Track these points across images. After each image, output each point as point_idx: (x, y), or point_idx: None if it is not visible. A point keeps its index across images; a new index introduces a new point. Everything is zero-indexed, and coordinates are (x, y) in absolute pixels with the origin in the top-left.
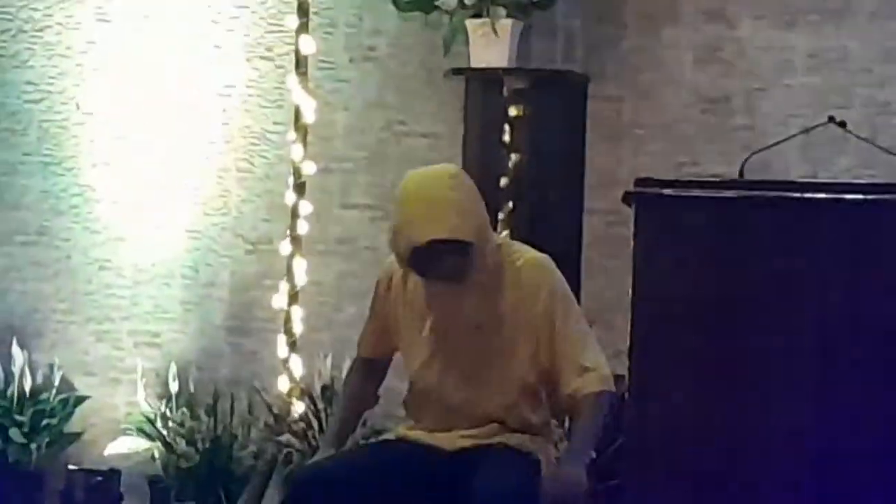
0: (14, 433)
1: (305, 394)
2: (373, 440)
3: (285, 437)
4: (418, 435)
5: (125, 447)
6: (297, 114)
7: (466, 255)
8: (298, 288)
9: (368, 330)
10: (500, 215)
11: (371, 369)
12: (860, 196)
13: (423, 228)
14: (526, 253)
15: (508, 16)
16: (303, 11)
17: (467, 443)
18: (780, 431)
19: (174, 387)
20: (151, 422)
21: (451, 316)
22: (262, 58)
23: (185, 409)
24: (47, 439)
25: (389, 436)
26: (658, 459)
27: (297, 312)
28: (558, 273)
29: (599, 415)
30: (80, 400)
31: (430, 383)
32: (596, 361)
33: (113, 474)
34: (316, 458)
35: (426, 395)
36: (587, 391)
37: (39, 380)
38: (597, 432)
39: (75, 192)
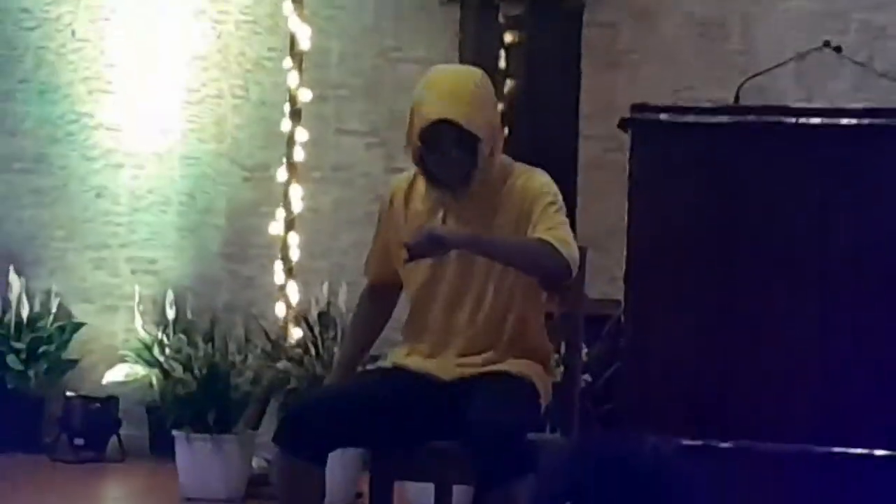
0: (12, 360)
1: (302, 320)
2: (369, 367)
3: (282, 364)
4: (415, 363)
5: (123, 374)
6: (293, 41)
7: (473, 155)
8: (295, 215)
9: (373, 253)
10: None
11: (378, 296)
12: (855, 121)
13: (439, 107)
14: (525, 171)
15: None
16: None
17: (465, 371)
18: (777, 358)
19: (171, 313)
20: (149, 348)
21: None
22: None
23: (182, 336)
24: (45, 366)
25: (385, 363)
26: (654, 385)
27: (294, 239)
28: (550, 184)
29: (532, 249)
30: (78, 327)
31: (428, 304)
32: (565, 236)
33: (111, 401)
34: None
35: (424, 317)
36: (545, 238)
37: (37, 307)
38: (511, 249)
39: (72, 118)
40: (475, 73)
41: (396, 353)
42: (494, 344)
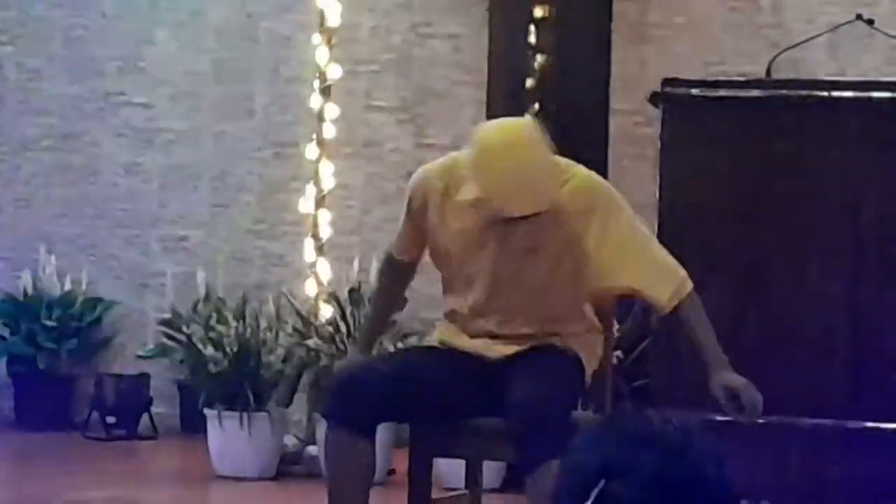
0: (43, 339)
1: (333, 297)
2: (415, 344)
3: (313, 341)
4: (461, 342)
5: (154, 351)
6: (322, 17)
7: (541, 220)
8: (325, 191)
9: (403, 232)
10: (527, 117)
11: (400, 270)
12: (887, 94)
13: (511, 204)
14: (578, 172)
15: None
16: None
17: (510, 350)
18: (809, 331)
19: (202, 291)
20: (180, 326)
21: (503, 240)
22: None
23: (213, 314)
24: (76, 344)
25: (432, 341)
26: (685, 360)
27: (325, 216)
28: (609, 188)
29: (703, 312)
30: (109, 305)
31: (471, 285)
32: (669, 259)
33: (142, 378)
34: (346, 359)
35: (467, 297)
36: (686, 292)
37: (68, 285)
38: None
39: (101, 95)
40: (526, 136)
41: (441, 330)
42: (538, 324)
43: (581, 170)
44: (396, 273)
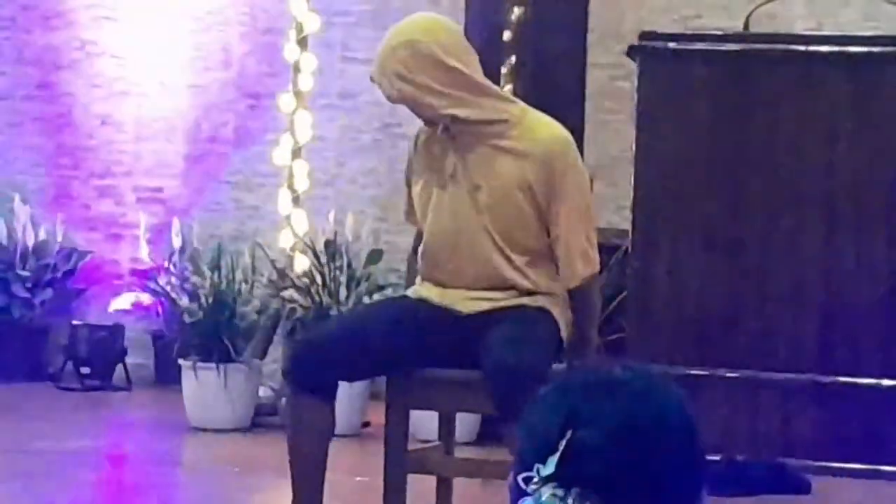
0: (17, 288)
1: (308, 249)
2: (387, 297)
3: (288, 293)
4: (433, 294)
5: (128, 302)
6: None
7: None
8: (301, 143)
9: (407, 199)
10: (504, 69)
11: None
12: (864, 49)
13: (374, 67)
14: (546, 130)
15: None
16: None
17: (485, 305)
18: (783, 287)
19: (177, 242)
20: (154, 277)
21: (467, 173)
22: None
23: (188, 265)
24: (51, 295)
25: (408, 292)
26: (661, 312)
27: (301, 167)
28: (576, 151)
29: (598, 297)
30: (83, 255)
31: (439, 239)
32: (593, 246)
33: (116, 329)
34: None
35: (437, 252)
36: (588, 273)
37: (42, 235)
38: (598, 315)
39: (76, 46)
40: (425, 26)
41: (417, 282)
42: (509, 280)
43: (554, 124)
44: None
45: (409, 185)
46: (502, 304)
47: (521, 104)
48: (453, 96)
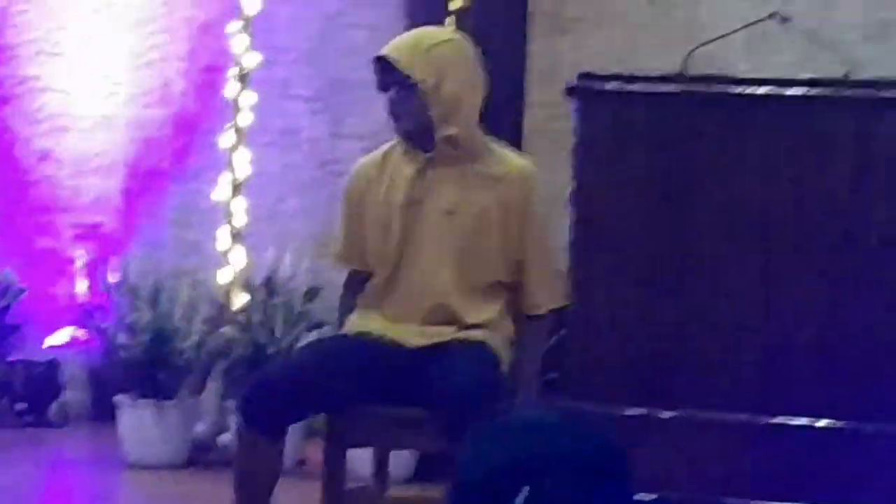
0: None
1: (247, 286)
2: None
3: (226, 329)
4: (378, 327)
5: (65, 338)
6: (240, 4)
7: (411, 97)
8: (241, 180)
9: (347, 240)
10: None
11: (361, 281)
12: (801, 91)
13: (386, 47)
14: (516, 158)
15: None
16: None
17: (428, 340)
18: (722, 327)
19: (115, 278)
20: (92, 313)
21: (441, 198)
22: None
23: (125, 301)
24: None
25: (348, 329)
26: (598, 353)
27: (240, 204)
28: (537, 188)
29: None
30: (20, 292)
31: (392, 273)
32: (558, 281)
33: (52, 365)
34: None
35: (388, 286)
36: (559, 302)
37: None
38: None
39: (17, 81)
40: (447, 33)
41: (358, 320)
42: (458, 313)
43: (523, 157)
44: (355, 286)
45: (352, 227)
46: (447, 337)
47: (484, 133)
48: (470, 110)
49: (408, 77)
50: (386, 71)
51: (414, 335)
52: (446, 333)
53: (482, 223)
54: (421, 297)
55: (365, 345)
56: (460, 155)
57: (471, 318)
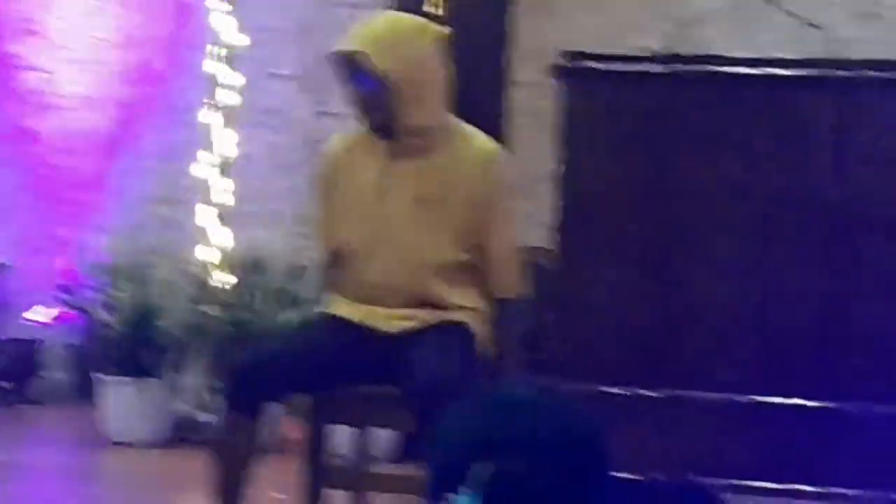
0: None
1: (232, 265)
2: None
3: (208, 308)
4: (353, 313)
5: (46, 316)
6: None
7: (381, 91)
8: (226, 159)
9: (323, 221)
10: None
11: (340, 262)
12: (784, 71)
13: (349, 40)
14: (483, 140)
15: None
16: None
17: (406, 324)
18: (706, 304)
19: (97, 256)
20: (73, 291)
21: (409, 183)
22: None
23: (107, 279)
24: None
25: (328, 310)
26: (582, 331)
27: (227, 184)
28: (509, 168)
29: (524, 312)
30: (3, 268)
31: (366, 258)
32: (519, 267)
33: (34, 343)
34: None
35: (362, 271)
36: (515, 293)
37: None
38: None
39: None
40: (412, 21)
41: (334, 303)
42: (433, 297)
43: (489, 140)
44: (336, 266)
45: (327, 207)
46: (424, 321)
47: (455, 118)
48: (433, 103)
49: (377, 72)
50: (348, 63)
51: (392, 320)
52: (424, 318)
53: (451, 209)
54: (397, 285)
55: (344, 328)
56: (428, 142)
57: (448, 302)
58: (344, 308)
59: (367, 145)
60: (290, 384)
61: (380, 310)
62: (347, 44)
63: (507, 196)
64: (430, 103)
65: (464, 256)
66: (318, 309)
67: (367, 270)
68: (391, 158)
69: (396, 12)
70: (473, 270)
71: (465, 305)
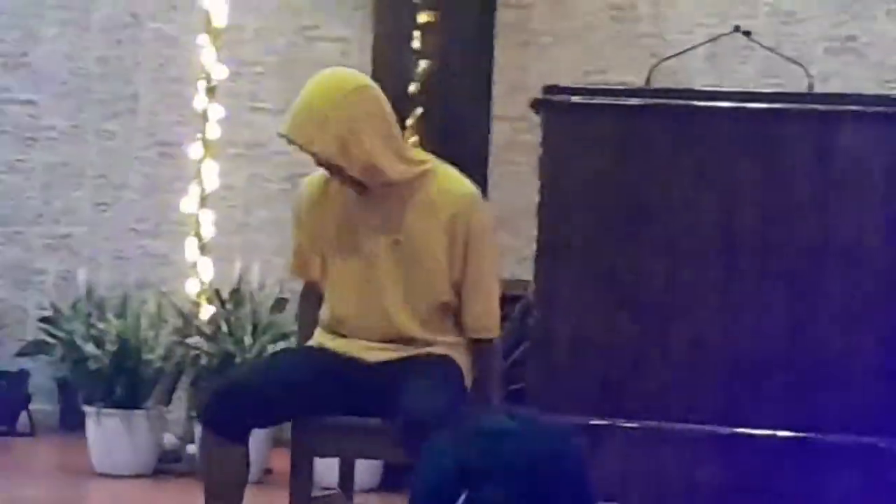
0: None
1: (215, 297)
2: (292, 347)
3: (194, 340)
4: (336, 345)
5: (34, 349)
6: (208, 17)
7: (329, 164)
8: (209, 192)
9: (298, 253)
10: (409, 121)
11: (317, 291)
12: (764, 105)
13: (288, 123)
14: (461, 184)
15: None
16: None
17: (389, 355)
18: (684, 338)
19: (83, 289)
20: (60, 324)
21: (387, 227)
22: None
23: (93, 311)
24: None
25: (311, 343)
26: (563, 365)
27: (208, 216)
28: (488, 210)
29: (500, 356)
30: None
31: (350, 290)
32: (496, 312)
33: (21, 375)
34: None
35: (346, 303)
36: (493, 335)
37: None
38: (500, 376)
39: None
40: (347, 87)
41: (318, 334)
42: (411, 335)
43: (466, 181)
44: (311, 297)
45: (303, 239)
46: (406, 353)
47: (432, 158)
48: (388, 157)
49: (310, 152)
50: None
51: (369, 351)
52: (406, 349)
53: (428, 251)
54: (374, 326)
55: (327, 357)
56: (400, 187)
57: (425, 338)
58: (323, 340)
59: (340, 189)
60: (271, 411)
61: (359, 342)
62: (282, 126)
63: (485, 241)
64: (381, 160)
65: (443, 297)
66: (299, 339)
67: (342, 309)
68: (366, 201)
69: (324, 74)
70: (454, 309)
71: (447, 341)
